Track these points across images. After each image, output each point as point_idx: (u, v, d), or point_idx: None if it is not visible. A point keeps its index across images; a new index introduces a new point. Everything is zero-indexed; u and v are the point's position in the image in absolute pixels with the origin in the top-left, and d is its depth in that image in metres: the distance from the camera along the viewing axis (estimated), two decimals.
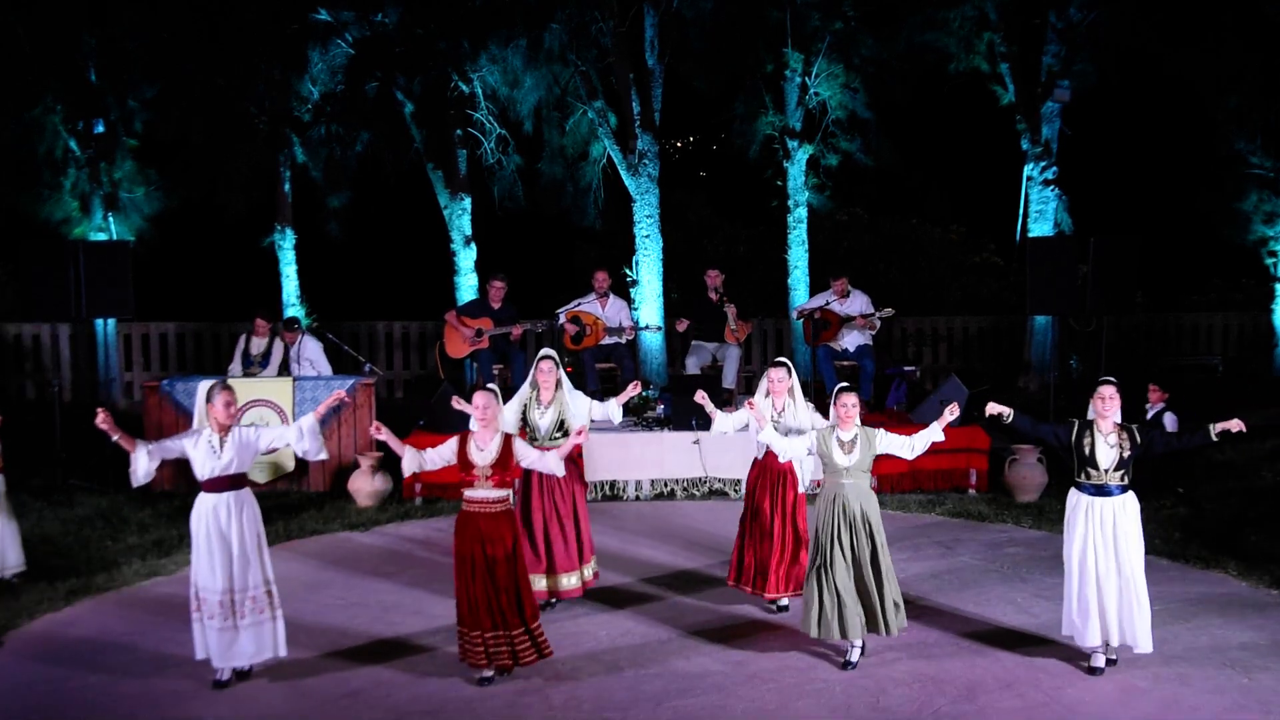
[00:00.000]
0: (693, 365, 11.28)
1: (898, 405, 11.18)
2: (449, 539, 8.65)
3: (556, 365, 7.11)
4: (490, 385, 6.21)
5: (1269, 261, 14.31)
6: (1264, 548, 8.09)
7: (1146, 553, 7.99)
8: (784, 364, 6.88)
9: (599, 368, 11.23)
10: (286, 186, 14.16)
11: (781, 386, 6.81)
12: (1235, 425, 6.01)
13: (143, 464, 5.82)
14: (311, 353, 11.02)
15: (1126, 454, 5.98)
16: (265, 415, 9.90)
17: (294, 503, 9.67)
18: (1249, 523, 8.79)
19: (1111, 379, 6.15)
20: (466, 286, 14.06)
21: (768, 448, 6.76)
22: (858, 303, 11.25)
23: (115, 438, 5.81)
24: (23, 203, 13.68)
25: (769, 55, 13.46)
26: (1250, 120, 13.74)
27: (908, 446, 6.25)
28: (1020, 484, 9.66)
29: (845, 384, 6.36)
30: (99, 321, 13.26)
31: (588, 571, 7.22)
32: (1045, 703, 5.67)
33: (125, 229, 13.74)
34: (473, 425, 6.04)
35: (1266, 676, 5.94)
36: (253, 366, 10.89)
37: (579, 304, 11.36)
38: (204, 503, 5.85)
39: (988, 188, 17.65)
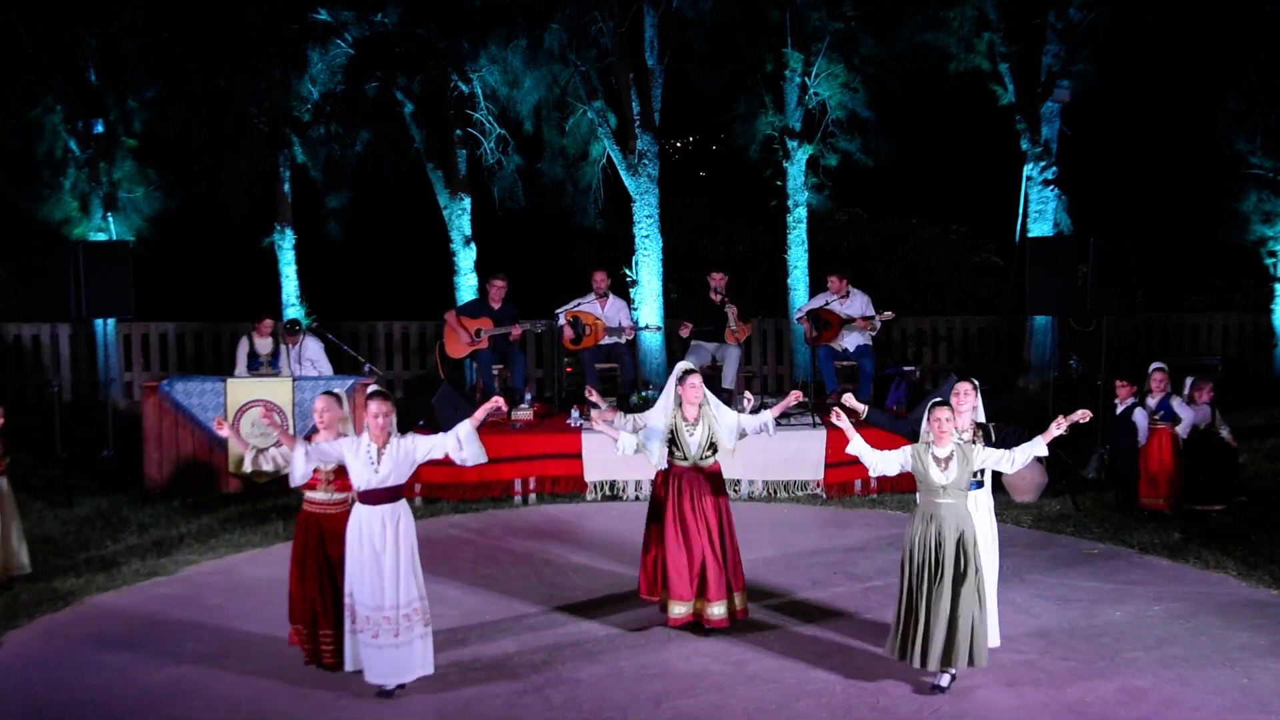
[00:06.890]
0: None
1: (897, 405, 11.17)
2: (448, 539, 8.71)
3: (701, 380, 6.63)
4: (334, 391, 6.10)
5: (1269, 261, 14.31)
6: (1264, 548, 8.09)
7: (1147, 553, 8.08)
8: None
9: (599, 368, 11.23)
10: (286, 186, 14.15)
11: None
12: (1078, 417, 5.81)
13: (300, 464, 5.83)
14: (312, 352, 11.02)
15: (970, 466, 5.72)
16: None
17: (294, 503, 9.62)
18: (1249, 523, 8.80)
19: (944, 401, 5.82)
20: (466, 286, 14.06)
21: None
22: (858, 303, 11.25)
23: (273, 441, 5.84)
24: (23, 203, 13.69)
25: (769, 55, 13.46)
26: (1250, 120, 13.75)
27: (1008, 460, 5.86)
28: (1019, 484, 9.64)
29: (939, 398, 5.88)
30: (99, 321, 13.24)
31: (738, 601, 6.62)
32: (1045, 703, 5.67)
33: (125, 229, 13.73)
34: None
35: (1266, 676, 5.95)
36: (261, 367, 10.88)
37: (579, 304, 11.36)
38: (360, 515, 5.79)
39: (988, 188, 17.66)
